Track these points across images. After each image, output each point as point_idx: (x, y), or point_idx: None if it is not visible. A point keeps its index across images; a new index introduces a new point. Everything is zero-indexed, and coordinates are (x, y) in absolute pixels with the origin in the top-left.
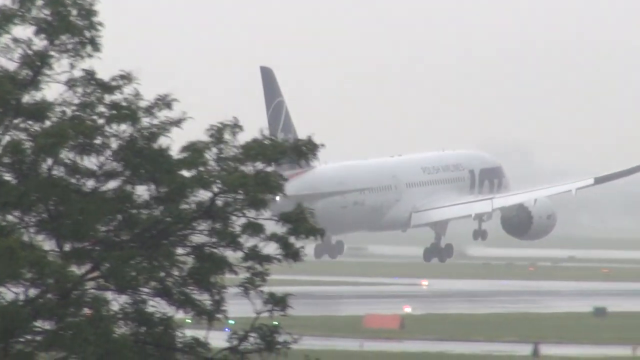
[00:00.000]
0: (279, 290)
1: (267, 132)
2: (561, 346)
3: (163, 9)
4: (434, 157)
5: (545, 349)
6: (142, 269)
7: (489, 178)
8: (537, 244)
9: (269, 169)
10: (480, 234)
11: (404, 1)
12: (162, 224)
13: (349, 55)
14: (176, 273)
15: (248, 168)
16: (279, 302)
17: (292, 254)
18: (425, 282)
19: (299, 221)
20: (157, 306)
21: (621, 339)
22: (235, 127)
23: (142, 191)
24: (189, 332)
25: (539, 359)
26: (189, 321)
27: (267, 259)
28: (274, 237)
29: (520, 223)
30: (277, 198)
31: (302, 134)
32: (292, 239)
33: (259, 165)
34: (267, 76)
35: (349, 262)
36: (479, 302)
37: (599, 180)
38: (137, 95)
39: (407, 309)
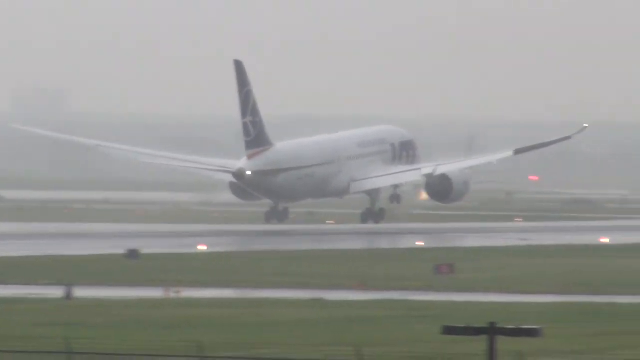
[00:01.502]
0: None
1: None
2: (94, 288)
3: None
4: (364, 132)
5: (78, 292)
6: None
7: (406, 150)
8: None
9: None
10: (395, 199)
11: None
12: None
13: None
14: None
15: None
16: None
17: None
18: None
19: None
20: None
21: (153, 280)
22: None
23: None
24: None
25: (71, 301)
26: None
27: None
28: None
29: (442, 190)
30: (248, 172)
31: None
32: None
33: None
34: (239, 68)
35: None
36: (12, 245)
37: (518, 152)
38: None
39: None
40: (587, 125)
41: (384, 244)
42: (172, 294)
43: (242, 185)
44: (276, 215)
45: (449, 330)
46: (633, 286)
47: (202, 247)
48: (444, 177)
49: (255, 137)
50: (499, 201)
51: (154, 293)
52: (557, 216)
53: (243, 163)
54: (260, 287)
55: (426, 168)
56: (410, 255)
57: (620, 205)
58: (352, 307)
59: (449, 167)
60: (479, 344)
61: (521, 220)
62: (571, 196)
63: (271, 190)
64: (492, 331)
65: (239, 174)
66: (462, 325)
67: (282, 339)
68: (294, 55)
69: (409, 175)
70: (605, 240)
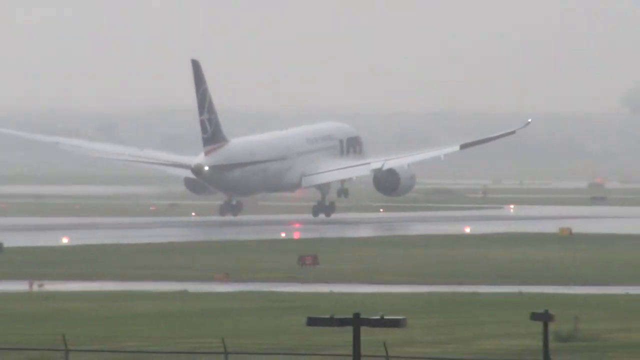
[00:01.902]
0: None
1: None
2: None
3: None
4: (313, 129)
5: None
6: None
7: (352, 146)
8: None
9: None
10: (342, 192)
11: None
12: None
13: None
14: None
15: None
16: None
17: None
18: None
19: None
20: None
21: (18, 274)
22: None
23: None
24: None
25: None
26: None
27: None
28: None
29: (390, 183)
30: (206, 168)
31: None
32: None
33: None
34: (196, 67)
35: None
36: None
37: (464, 146)
38: None
39: None
40: (530, 120)
41: (252, 235)
42: (35, 287)
43: (200, 180)
44: (230, 209)
45: (314, 322)
46: (494, 276)
47: (64, 240)
48: (392, 172)
49: (212, 133)
50: (362, 192)
51: (19, 286)
52: (419, 206)
53: (201, 159)
54: (123, 279)
55: (375, 163)
56: (276, 247)
57: (482, 195)
58: (217, 299)
59: (397, 162)
60: (344, 334)
61: (383, 210)
62: (433, 186)
63: (227, 184)
64: (356, 322)
65: (197, 169)
66: (327, 317)
67: (146, 332)
68: (247, 53)
69: (358, 170)
70: (467, 229)
